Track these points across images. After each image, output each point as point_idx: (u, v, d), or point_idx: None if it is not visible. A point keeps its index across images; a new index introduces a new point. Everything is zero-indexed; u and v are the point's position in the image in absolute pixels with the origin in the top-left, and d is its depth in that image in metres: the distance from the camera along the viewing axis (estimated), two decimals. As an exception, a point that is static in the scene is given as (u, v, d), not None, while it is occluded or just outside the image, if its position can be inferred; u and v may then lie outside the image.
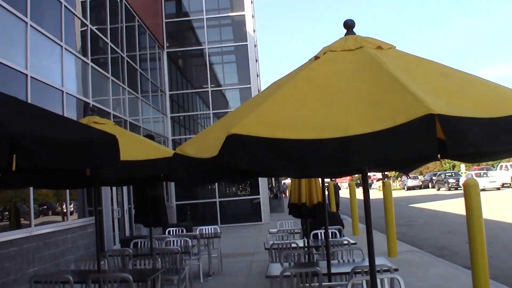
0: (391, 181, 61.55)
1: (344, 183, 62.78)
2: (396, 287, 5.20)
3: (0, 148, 2.85)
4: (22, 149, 2.97)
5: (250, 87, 23.99)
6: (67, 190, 11.55)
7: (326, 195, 8.37)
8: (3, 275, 8.51)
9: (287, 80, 3.27)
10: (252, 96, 22.99)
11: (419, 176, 61.61)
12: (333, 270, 6.33)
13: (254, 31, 26.00)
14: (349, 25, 3.63)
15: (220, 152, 2.62)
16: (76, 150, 3.51)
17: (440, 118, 2.25)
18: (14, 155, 2.97)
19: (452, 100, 2.61)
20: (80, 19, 13.85)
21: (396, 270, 5.50)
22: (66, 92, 12.12)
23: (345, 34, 3.62)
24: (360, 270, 5.42)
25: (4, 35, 9.83)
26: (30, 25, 10.63)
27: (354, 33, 3.62)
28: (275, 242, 8.77)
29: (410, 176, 56.63)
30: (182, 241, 9.83)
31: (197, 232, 11.28)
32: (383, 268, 5.43)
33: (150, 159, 6.03)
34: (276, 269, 6.60)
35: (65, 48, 12.43)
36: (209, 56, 24.87)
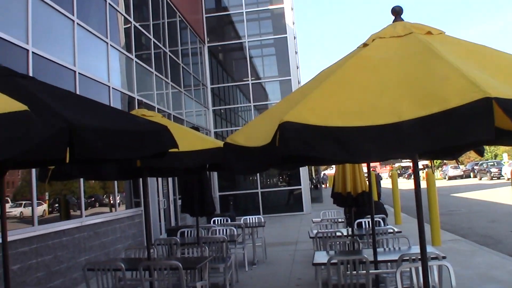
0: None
1: (383, 174, 62.02)
2: (443, 275, 5.12)
3: (58, 139, 2.90)
4: (79, 140, 3.01)
5: (290, 79, 23.88)
6: (115, 183, 11.77)
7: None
8: (56, 263, 8.74)
9: (336, 68, 3.22)
10: (292, 88, 22.97)
11: (460, 166, 60.27)
12: (379, 258, 6.26)
13: (293, 23, 25.85)
14: (397, 12, 3.56)
15: (273, 139, 2.60)
16: (131, 140, 3.55)
17: (498, 101, 2.18)
18: (68, 147, 3.02)
19: (507, 83, 2.53)
20: (123, 15, 14.03)
21: (444, 257, 5.41)
22: (112, 87, 12.32)
23: (393, 21, 3.55)
24: (407, 258, 5.34)
25: (53, 34, 10.05)
26: (77, 23, 10.84)
27: (402, 20, 3.54)
28: (320, 230, 8.73)
29: (453, 165, 55.42)
30: (228, 230, 9.88)
31: (242, 222, 11.34)
32: (431, 256, 5.35)
33: (198, 150, 6.06)
34: (322, 257, 6.57)
35: (110, 45, 12.62)
36: (249, 49, 24.87)
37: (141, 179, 12.68)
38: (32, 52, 8.91)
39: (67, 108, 3.38)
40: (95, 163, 4.98)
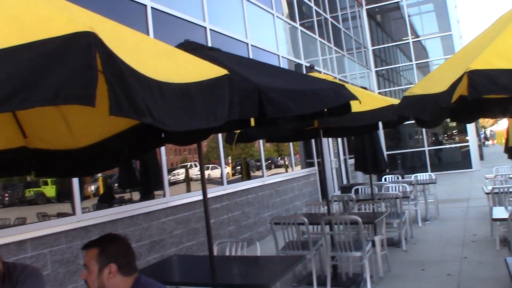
0: None
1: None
2: None
3: (251, 100, 3.02)
4: (268, 99, 3.12)
5: (451, 34, 22.37)
6: (290, 145, 12.10)
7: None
8: (244, 218, 9.28)
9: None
10: (454, 43, 21.54)
11: None
12: None
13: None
14: None
15: (453, 85, 2.44)
16: (314, 96, 3.63)
17: None
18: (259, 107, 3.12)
19: None
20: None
21: None
22: (282, 56, 12.55)
23: None
24: None
25: (225, 11, 10.50)
26: (246, -1, 11.17)
27: None
28: (495, 186, 8.16)
29: None
30: (399, 187, 9.64)
31: (413, 179, 11.01)
32: None
33: (371, 109, 5.96)
34: (500, 212, 6.19)
35: (276, 16, 12.82)
36: (406, 8, 23.72)
37: (313, 141, 12.96)
38: (210, 29, 9.40)
39: (252, 73, 3.51)
40: (277, 125, 5.11)
